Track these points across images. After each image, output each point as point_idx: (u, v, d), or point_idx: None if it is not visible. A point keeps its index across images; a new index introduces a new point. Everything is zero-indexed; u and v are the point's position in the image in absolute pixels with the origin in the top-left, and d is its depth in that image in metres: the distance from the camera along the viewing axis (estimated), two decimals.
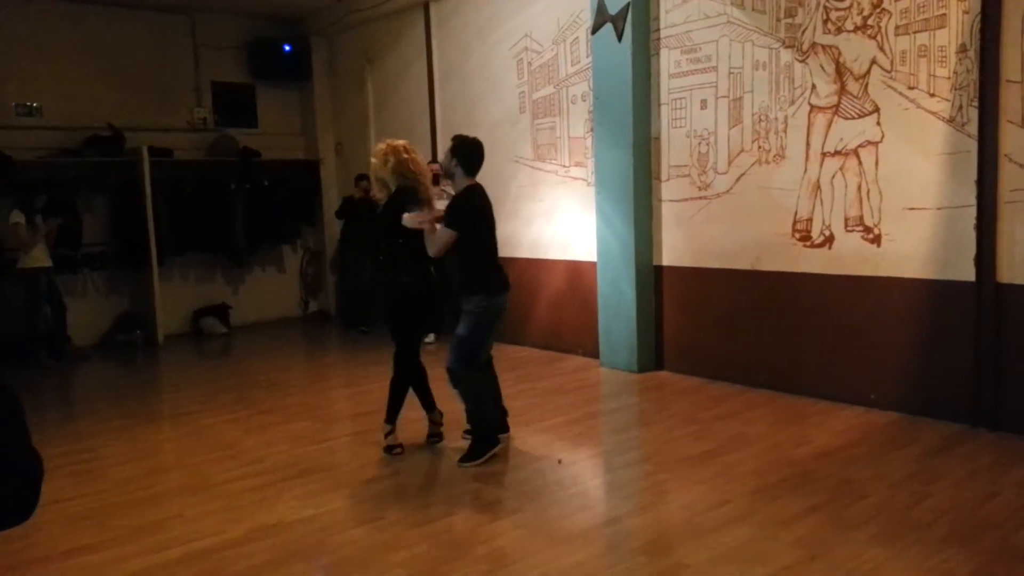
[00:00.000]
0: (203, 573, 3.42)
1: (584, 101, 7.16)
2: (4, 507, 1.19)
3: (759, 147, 5.86)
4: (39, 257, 7.99)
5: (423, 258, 4.66)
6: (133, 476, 4.71)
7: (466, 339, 4.62)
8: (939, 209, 4.95)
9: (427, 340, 8.27)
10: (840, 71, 5.34)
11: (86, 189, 8.96)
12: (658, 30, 6.44)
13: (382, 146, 4.79)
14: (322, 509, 4.04)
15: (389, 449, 4.85)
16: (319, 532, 3.79)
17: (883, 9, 5.09)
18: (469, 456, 4.63)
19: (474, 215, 4.61)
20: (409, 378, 4.90)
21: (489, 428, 4.76)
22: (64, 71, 8.86)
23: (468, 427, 4.88)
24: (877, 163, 5.21)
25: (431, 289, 4.79)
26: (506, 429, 5.05)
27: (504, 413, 5.09)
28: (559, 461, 4.65)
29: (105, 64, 9.12)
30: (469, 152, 4.66)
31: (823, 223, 5.53)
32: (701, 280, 6.38)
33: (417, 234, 4.55)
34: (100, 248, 9.13)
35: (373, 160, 4.82)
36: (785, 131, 5.68)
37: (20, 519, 1.21)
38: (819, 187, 5.53)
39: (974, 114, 4.74)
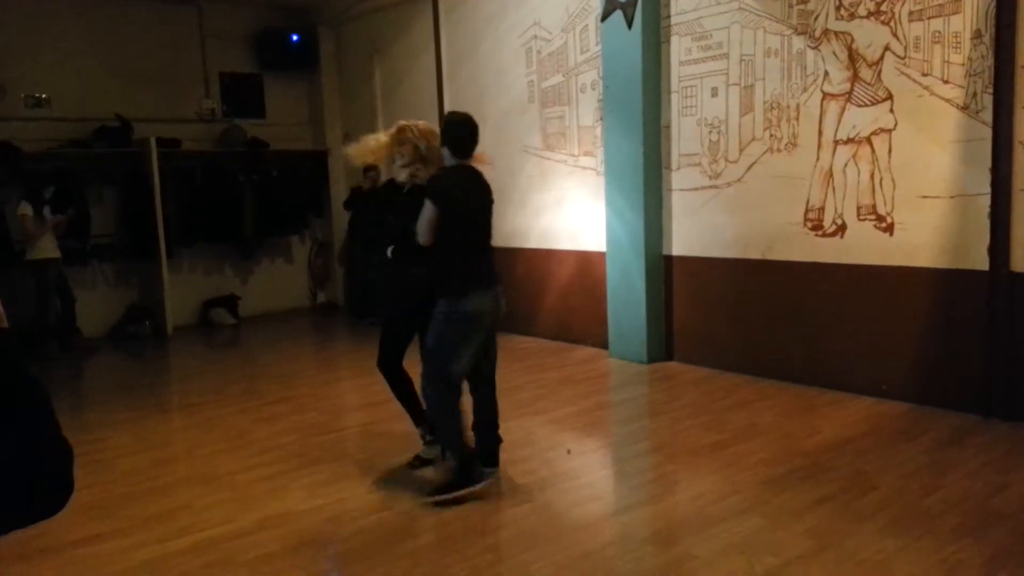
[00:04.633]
0: (212, 563, 3.43)
1: (594, 90, 7.11)
2: (41, 497, 1.19)
3: (771, 135, 5.80)
4: (47, 248, 8.00)
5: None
6: (142, 466, 4.72)
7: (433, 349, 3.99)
8: (952, 197, 4.90)
9: None
10: (853, 58, 5.28)
11: (95, 180, 8.97)
12: (668, 17, 6.37)
13: (421, 124, 4.26)
14: (330, 499, 4.04)
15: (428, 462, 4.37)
16: (327, 522, 3.79)
17: None
18: (442, 487, 3.96)
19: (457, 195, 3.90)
20: (394, 386, 4.37)
21: (470, 457, 3.99)
22: (72, 62, 8.86)
23: (426, 447, 4.42)
24: (890, 151, 5.16)
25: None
26: (495, 462, 4.13)
27: (497, 442, 4.17)
28: (568, 451, 4.64)
29: (113, 55, 9.11)
30: (463, 132, 4.02)
31: (835, 212, 5.48)
32: (711, 270, 6.33)
33: None
34: (109, 239, 9.15)
35: (411, 135, 4.16)
36: (797, 119, 5.63)
37: (55, 509, 1.21)
38: (831, 175, 5.48)
39: (989, 101, 4.67)
